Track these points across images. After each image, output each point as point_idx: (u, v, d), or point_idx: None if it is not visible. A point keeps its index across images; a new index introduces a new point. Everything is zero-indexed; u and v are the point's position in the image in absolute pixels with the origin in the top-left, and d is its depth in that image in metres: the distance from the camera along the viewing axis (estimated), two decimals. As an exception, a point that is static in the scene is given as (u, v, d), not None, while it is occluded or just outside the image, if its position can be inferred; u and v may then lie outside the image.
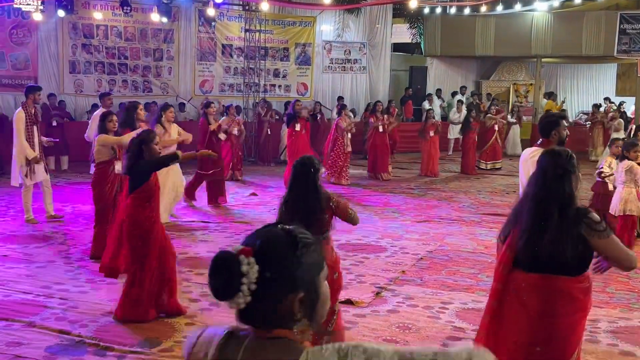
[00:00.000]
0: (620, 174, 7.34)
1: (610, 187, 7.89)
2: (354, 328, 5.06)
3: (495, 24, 18.62)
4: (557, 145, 4.74)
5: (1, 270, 6.52)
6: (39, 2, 11.82)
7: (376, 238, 8.16)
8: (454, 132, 17.09)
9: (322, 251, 1.55)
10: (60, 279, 6.24)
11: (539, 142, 4.85)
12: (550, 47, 18.23)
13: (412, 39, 19.72)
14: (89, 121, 9.65)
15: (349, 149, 12.55)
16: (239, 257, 1.41)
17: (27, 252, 7.23)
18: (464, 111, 16.49)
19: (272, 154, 15.29)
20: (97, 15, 15.15)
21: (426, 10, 18.64)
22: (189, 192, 9.79)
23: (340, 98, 16.63)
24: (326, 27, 18.35)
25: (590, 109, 18.20)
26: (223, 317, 5.14)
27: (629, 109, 18.71)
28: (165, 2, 15.21)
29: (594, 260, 3.21)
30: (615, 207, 7.33)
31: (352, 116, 15.02)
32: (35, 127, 8.39)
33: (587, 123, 17.72)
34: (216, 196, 10.06)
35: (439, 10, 18.56)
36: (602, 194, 8.02)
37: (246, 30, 16.11)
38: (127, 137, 6.47)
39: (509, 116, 17.12)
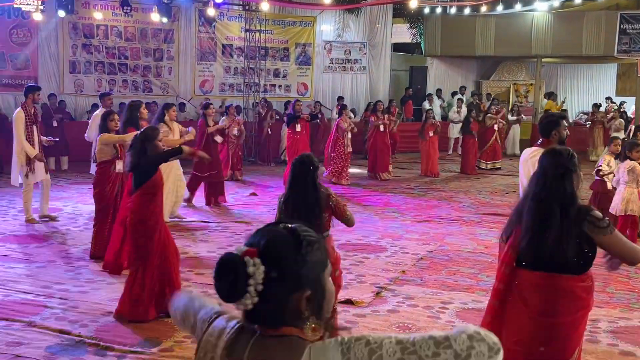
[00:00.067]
0: (622, 174, 7.33)
1: (609, 185, 7.88)
2: (354, 328, 5.06)
3: (496, 24, 18.62)
4: (558, 145, 4.74)
5: (1, 270, 6.52)
6: (39, 2, 11.81)
7: (376, 238, 8.16)
8: (455, 132, 17.10)
9: (325, 248, 1.55)
10: (60, 279, 6.25)
11: (539, 142, 4.85)
12: (550, 47, 18.23)
13: (412, 39, 19.72)
14: (89, 121, 9.64)
15: (350, 149, 12.55)
16: (244, 258, 1.41)
17: (27, 252, 7.23)
18: (464, 109, 16.51)
19: (272, 153, 15.29)
20: (97, 15, 15.15)
21: (426, 10, 18.64)
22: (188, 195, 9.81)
23: (340, 98, 16.63)
24: (326, 27, 18.35)
25: (590, 109, 18.19)
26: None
27: (629, 109, 18.71)
28: (165, 2, 15.21)
29: (606, 258, 3.21)
30: (616, 207, 7.33)
31: (353, 116, 15.02)
32: (35, 127, 8.40)
33: (587, 123, 17.71)
34: (216, 196, 10.06)
35: (439, 10, 18.56)
36: (601, 193, 8.01)
37: (246, 30, 16.11)
38: (131, 136, 6.47)
39: (509, 115, 17.13)
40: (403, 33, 19.68)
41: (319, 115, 15.02)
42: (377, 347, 1.38)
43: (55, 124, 13.01)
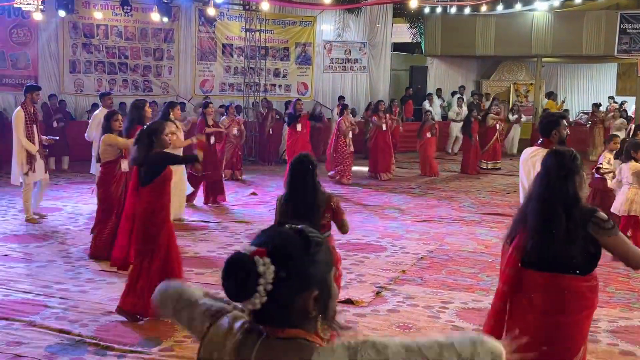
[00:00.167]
0: (625, 175, 7.30)
1: (609, 183, 7.87)
2: (354, 327, 5.06)
3: (496, 23, 18.61)
4: (558, 145, 4.74)
5: (1, 269, 6.52)
6: (39, 2, 11.81)
7: (376, 238, 8.16)
8: (456, 131, 17.09)
9: (330, 249, 1.56)
10: (60, 279, 6.25)
11: (539, 141, 4.85)
12: (550, 47, 18.22)
13: (412, 39, 19.72)
14: (89, 121, 9.64)
15: (351, 148, 12.54)
16: (254, 257, 1.41)
17: (27, 251, 7.23)
18: (464, 109, 16.51)
19: (273, 154, 15.29)
20: (98, 15, 15.15)
21: (426, 10, 18.63)
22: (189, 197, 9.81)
23: (341, 98, 16.59)
24: (326, 27, 18.34)
25: (590, 109, 18.18)
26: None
27: (630, 108, 18.70)
28: (165, 1, 15.21)
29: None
30: (619, 207, 7.28)
31: (352, 117, 15.00)
32: (35, 126, 8.41)
33: (587, 123, 17.70)
34: (215, 195, 10.05)
35: (439, 9, 18.55)
36: (602, 191, 8.00)
37: (246, 30, 16.11)
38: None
39: (509, 115, 17.12)
40: (403, 33, 19.67)
41: (321, 116, 15.01)
42: (384, 350, 1.39)
43: (55, 124, 13.01)
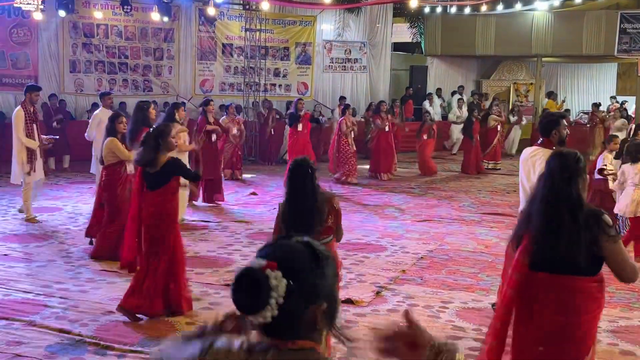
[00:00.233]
0: (630, 176, 7.27)
1: (611, 185, 7.85)
2: (354, 327, 5.06)
3: (496, 23, 18.61)
4: (558, 145, 4.74)
5: (1, 269, 6.52)
6: (39, 2, 11.82)
7: (376, 237, 8.16)
8: (456, 133, 17.10)
9: (334, 259, 1.58)
10: (60, 278, 6.25)
11: (539, 141, 4.85)
12: (550, 47, 18.21)
13: (412, 39, 19.71)
14: (89, 120, 9.64)
15: (354, 148, 12.53)
16: (266, 271, 1.42)
17: (27, 251, 7.23)
18: (464, 110, 16.52)
19: (274, 153, 15.28)
20: (98, 15, 15.15)
21: (426, 10, 18.62)
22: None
23: (342, 98, 16.53)
24: (326, 27, 18.34)
25: (590, 109, 18.16)
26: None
27: (630, 108, 18.69)
28: (165, 1, 15.20)
29: None
30: (625, 209, 7.25)
31: (352, 117, 14.98)
32: (35, 125, 8.41)
33: (588, 124, 17.67)
34: (212, 194, 10.04)
35: (439, 9, 18.55)
36: (601, 191, 7.99)
37: (246, 30, 16.10)
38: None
39: (510, 116, 17.11)
40: (403, 32, 19.67)
41: (322, 120, 14.97)
42: None
43: (55, 124, 13.01)
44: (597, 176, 8.07)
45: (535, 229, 3.20)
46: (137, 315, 5.20)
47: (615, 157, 8.15)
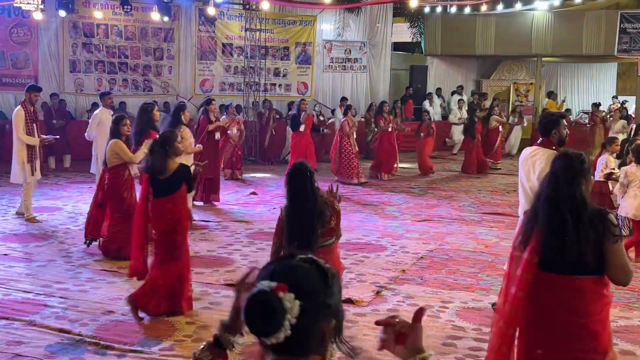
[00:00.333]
0: (635, 178, 7.24)
1: (612, 187, 7.83)
2: (354, 327, 5.06)
3: (496, 23, 18.60)
4: (558, 145, 4.75)
5: (1, 269, 6.52)
6: (40, 1, 11.81)
7: (376, 237, 8.16)
8: (457, 134, 17.10)
9: (338, 274, 1.60)
10: (60, 278, 6.25)
11: (539, 141, 4.85)
12: (550, 47, 18.21)
13: (412, 38, 19.71)
14: (89, 120, 9.64)
15: (356, 148, 12.52)
16: (279, 294, 1.44)
17: (27, 250, 7.23)
18: (464, 110, 16.52)
19: (275, 153, 15.28)
20: (98, 14, 15.14)
21: (426, 10, 18.62)
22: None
23: (344, 99, 16.49)
24: (326, 26, 18.34)
25: (590, 109, 18.16)
26: (223, 316, 5.13)
27: (630, 108, 18.68)
28: (165, 1, 15.20)
29: None
30: (632, 212, 7.21)
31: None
32: (35, 125, 8.42)
33: (588, 124, 17.67)
34: (210, 194, 10.03)
35: (439, 9, 18.55)
36: (601, 193, 7.98)
37: (246, 30, 16.10)
38: (141, 155, 6.80)
39: (510, 117, 17.11)
40: (403, 32, 19.66)
41: (322, 129, 14.95)
42: None
43: (54, 122, 13.02)
44: (596, 177, 8.06)
45: (542, 229, 3.20)
46: (139, 312, 5.21)
47: (616, 158, 8.15)
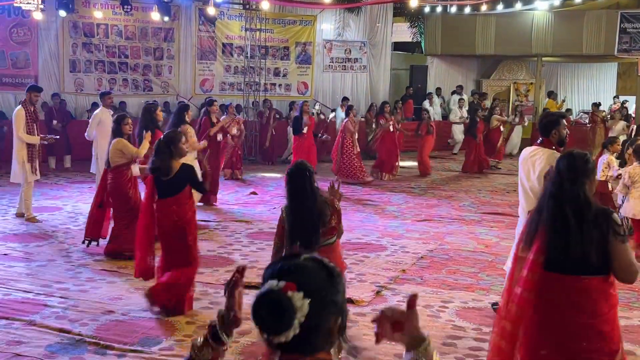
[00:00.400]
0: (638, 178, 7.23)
1: (613, 186, 7.83)
2: (354, 327, 5.06)
3: (496, 22, 18.60)
4: (558, 145, 4.74)
5: (1, 268, 6.52)
6: (40, 1, 11.81)
7: (376, 237, 8.16)
8: (458, 133, 17.08)
9: (341, 273, 1.61)
10: (60, 278, 6.25)
11: (539, 141, 4.85)
12: (550, 46, 18.21)
13: (412, 38, 19.70)
14: (90, 120, 9.64)
15: (358, 149, 12.51)
16: (288, 293, 1.45)
17: (27, 250, 7.23)
18: (465, 110, 16.51)
19: (276, 153, 15.27)
20: (98, 14, 15.14)
21: (427, 9, 18.62)
22: None
23: (345, 99, 16.46)
24: (326, 26, 18.33)
25: (590, 108, 18.16)
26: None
27: (630, 108, 18.67)
28: (165, 1, 15.20)
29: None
30: (631, 211, 7.21)
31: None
32: (35, 125, 8.42)
33: (588, 124, 17.67)
34: (209, 195, 10.00)
35: (439, 9, 18.54)
36: (603, 193, 7.97)
37: (246, 29, 16.10)
38: (145, 149, 6.88)
39: (511, 117, 17.12)
40: (403, 32, 19.66)
41: (321, 135, 14.94)
42: None
43: (55, 123, 13.01)
44: (597, 177, 8.05)
45: (547, 228, 3.21)
46: (164, 307, 5.26)
47: (617, 158, 8.14)
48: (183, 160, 5.53)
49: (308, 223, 4.16)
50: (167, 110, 13.68)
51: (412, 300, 1.64)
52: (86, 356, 4.54)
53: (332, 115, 16.28)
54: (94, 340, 4.75)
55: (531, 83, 20.03)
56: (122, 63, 15.91)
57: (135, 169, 7.00)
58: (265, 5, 13.97)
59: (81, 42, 15.39)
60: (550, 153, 4.61)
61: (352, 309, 5.47)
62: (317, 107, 15.86)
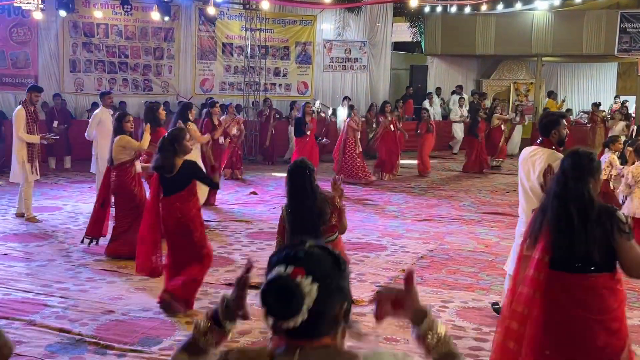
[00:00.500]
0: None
1: (615, 185, 7.82)
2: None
3: (496, 22, 18.60)
4: (558, 145, 4.74)
5: (1, 268, 6.52)
6: (40, 1, 11.81)
7: (377, 237, 8.16)
8: (458, 132, 17.06)
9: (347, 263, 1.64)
10: (60, 278, 6.25)
11: (538, 141, 4.84)
12: (550, 46, 18.21)
13: (412, 38, 19.70)
14: (90, 120, 9.64)
15: (360, 148, 12.50)
16: (297, 278, 1.45)
17: (27, 250, 7.23)
18: (465, 109, 16.51)
19: (276, 153, 15.27)
20: (98, 14, 15.14)
21: (427, 9, 18.61)
22: None
23: (347, 98, 16.45)
24: (327, 26, 18.33)
25: (590, 108, 18.16)
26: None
27: (630, 108, 18.65)
28: (165, 0, 15.21)
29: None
30: (634, 210, 7.20)
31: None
32: (35, 125, 8.42)
33: (588, 124, 17.67)
34: (208, 196, 9.99)
35: (439, 9, 18.53)
36: (605, 192, 7.96)
37: (246, 29, 16.11)
38: (147, 143, 6.92)
39: (512, 115, 17.12)
40: (403, 32, 19.66)
41: (320, 139, 14.94)
42: None
43: (55, 124, 13.00)
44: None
45: (551, 227, 3.20)
46: (181, 301, 5.29)
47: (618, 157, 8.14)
48: (187, 157, 5.54)
49: (308, 222, 4.17)
50: (167, 110, 13.66)
51: (409, 276, 1.66)
52: (86, 356, 4.54)
53: (330, 112, 16.27)
54: (94, 340, 4.75)
55: (531, 83, 20.03)
56: (122, 63, 15.91)
57: (139, 166, 7.01)
58: (265, 5, 13.98)
59: (81, 42, 15.39)
60: (550, 153, 4.61)
61: (352, 309, 5.46)
62: (317, 104, 15.83)
